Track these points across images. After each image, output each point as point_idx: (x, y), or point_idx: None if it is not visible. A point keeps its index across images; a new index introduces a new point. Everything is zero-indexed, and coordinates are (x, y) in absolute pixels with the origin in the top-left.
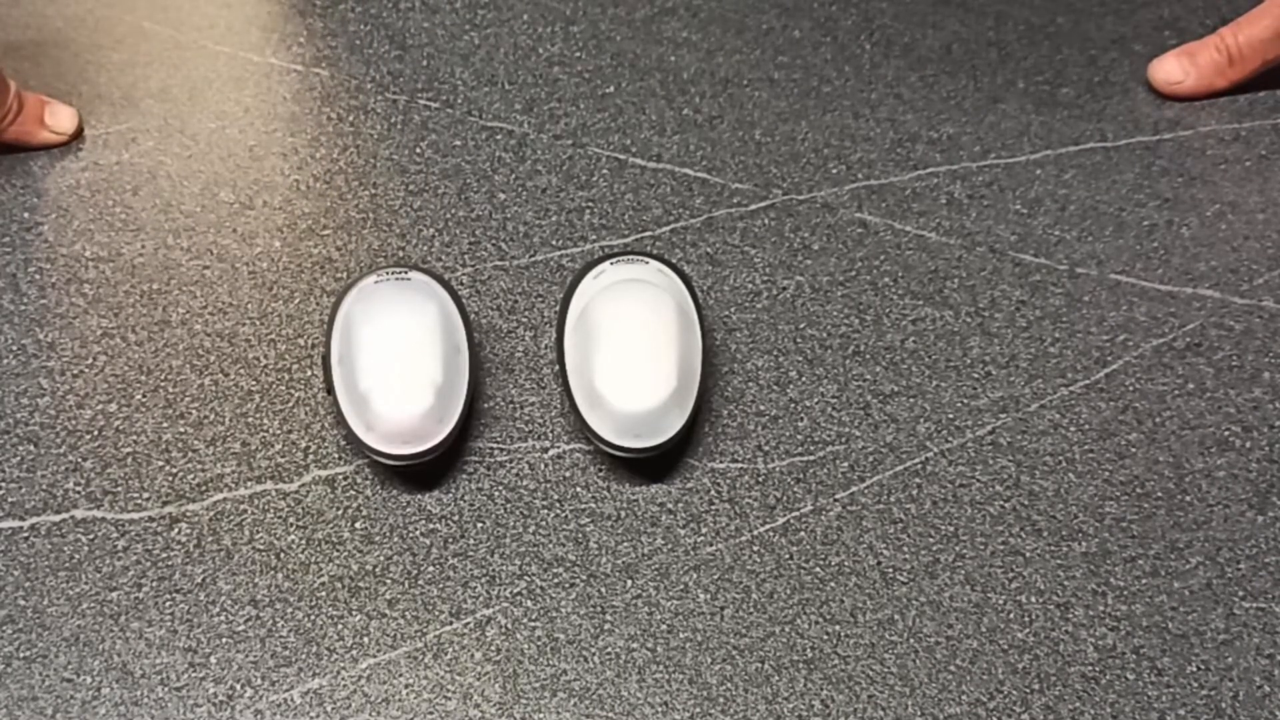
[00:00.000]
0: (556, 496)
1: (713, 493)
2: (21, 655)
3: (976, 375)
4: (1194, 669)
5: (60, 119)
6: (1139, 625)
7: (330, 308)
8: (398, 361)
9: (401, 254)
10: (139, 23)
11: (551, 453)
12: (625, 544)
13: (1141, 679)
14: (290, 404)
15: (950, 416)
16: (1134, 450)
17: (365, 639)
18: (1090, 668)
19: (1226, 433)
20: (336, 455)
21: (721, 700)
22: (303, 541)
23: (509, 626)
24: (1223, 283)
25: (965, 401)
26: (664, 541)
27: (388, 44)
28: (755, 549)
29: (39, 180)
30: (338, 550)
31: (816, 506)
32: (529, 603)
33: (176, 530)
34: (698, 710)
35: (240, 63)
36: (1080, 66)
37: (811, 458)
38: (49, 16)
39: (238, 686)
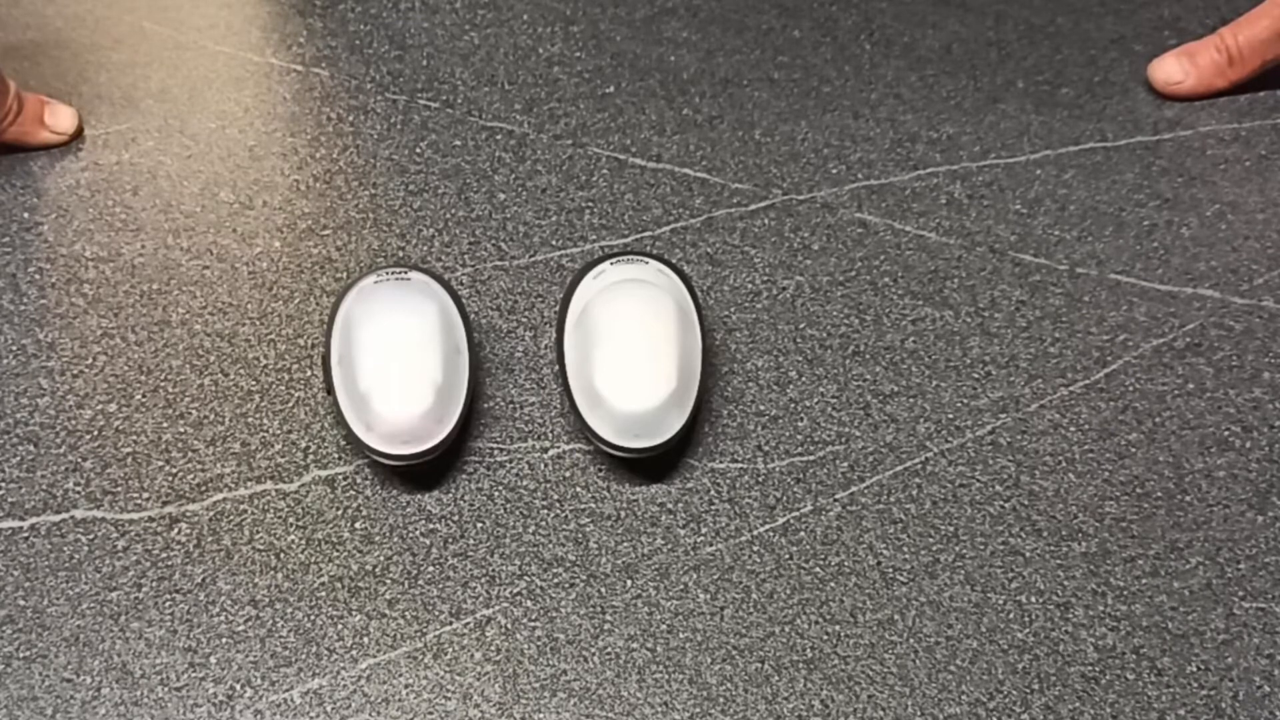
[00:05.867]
0: (556, 496)
1: (713, 493)
2: (21, 655)
3: (976, 375)
4: (1194, 669)
5: (60, 119)
6: (1139, 625)
7: (330, 308)
8: (398, 361)
9: (401, 254)
10: (139, 23)
11: (551, 453)
12: (625, 544)
13: (1141, 679)
14: (290, 404)
15: (950, 416)
16: (1134, 450)
17: (365, 639)
18: (1090, 668)
19: (1226, 433)
20: (336, 455)
21: (721, 700)
22: (303, 541)
23: (509, 626)
24: (1223, 283)
25: (965, 401)
26: (664, 541)
27: (388, 44)
28: (755, 549)
29: (39, 180)
30: (338, 550)
31: (816, 506)
32: (529, 603)
33: (176, 530)
34: (698, 710)
35: (240, 63)
36: (1080, 66)
37: (811, 458)
38: (49, 16)
39: (238, 686)
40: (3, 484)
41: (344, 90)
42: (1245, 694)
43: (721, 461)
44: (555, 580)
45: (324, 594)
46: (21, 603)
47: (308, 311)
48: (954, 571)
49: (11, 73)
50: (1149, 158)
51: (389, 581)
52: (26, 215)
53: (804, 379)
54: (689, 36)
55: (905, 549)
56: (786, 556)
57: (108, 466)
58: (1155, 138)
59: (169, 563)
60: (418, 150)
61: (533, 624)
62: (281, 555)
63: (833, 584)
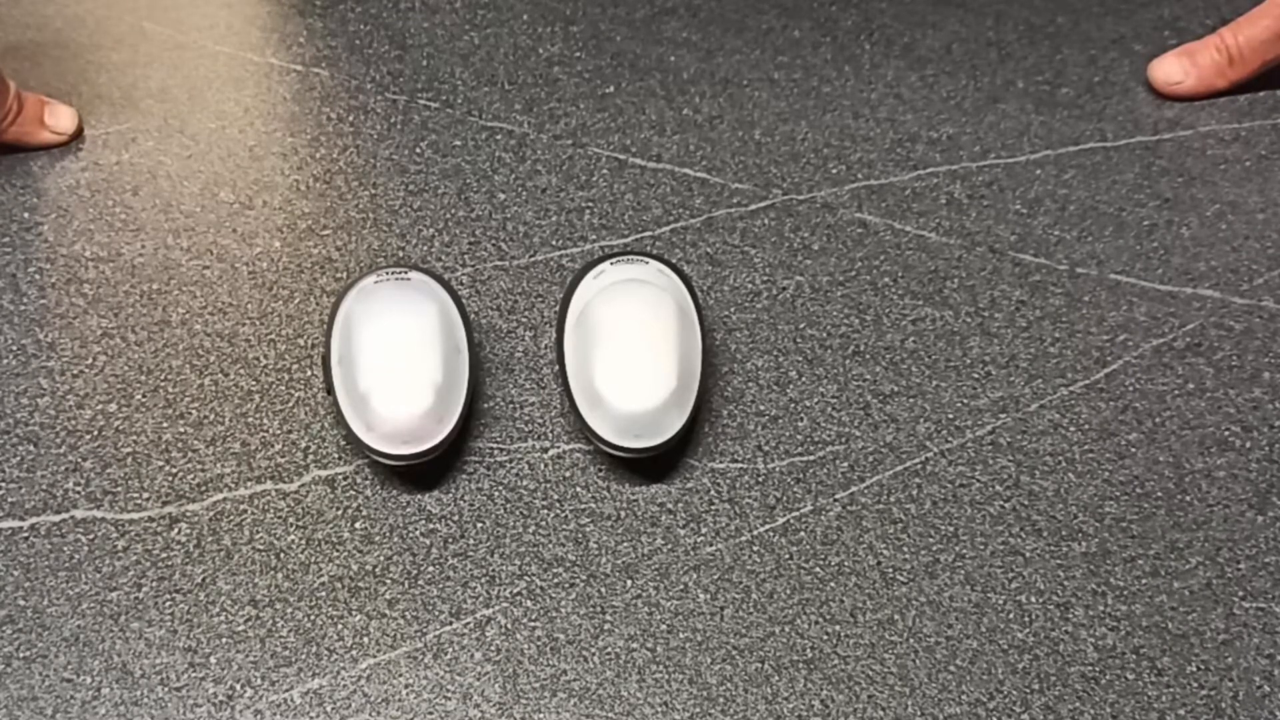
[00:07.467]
0: (556, 496)
1: (713, 493)
2: (21, 655)
3: (976, 375)
4: (1194, 669)
5: (60, 119)
6: (1139, 625)
7: (330, 308)
8: (398, 361)
9: (401, 254)
10: (139, 23)
11: (551, 453)
12: (625, 544)
13: (1141, 679)
14: (290, 404)
15: (950, 416)
16: (1134, 450)
17: (365, 639)
18: (1090, 668)
19: (1226, 433)
20: (336, 455)
21: (721, 700)
22: (303, 541)
23: (509, 626)
24: (1223, 283)
25: (965, 401)
26: (664, 541)
27: (388, 44)
28: (755, 549)
29: (39, 180)
30: (338, 550)
31: (816, 506)
32: (529, 603)
33: (176, 530)
34: (698, 710)
35: (240, 63)
36: (1080, 66)
37: (811, 458)
38: (49, 16)
39: (238, 686)
40: (3, 484)
41: (344, 90)
42: (1245, 694)
43: (721, 461)
44: (555, 580)
45: (324, 594)
46: (21, 603)
47: (308, 311)
48: (954, 571)
49: (11, 73)
50: (1149, 158)
51: (389, 581)
52: (26, 215)
53: (804, 379)
54: (689, 36)
55: (905, 549)
56: (786, 556)
57: (108, 466)
58: (1155, 138)
59: (169, 563)
60: (418, 150)
61: (533, 624)
62: (281, 555)
63: (833, 584)
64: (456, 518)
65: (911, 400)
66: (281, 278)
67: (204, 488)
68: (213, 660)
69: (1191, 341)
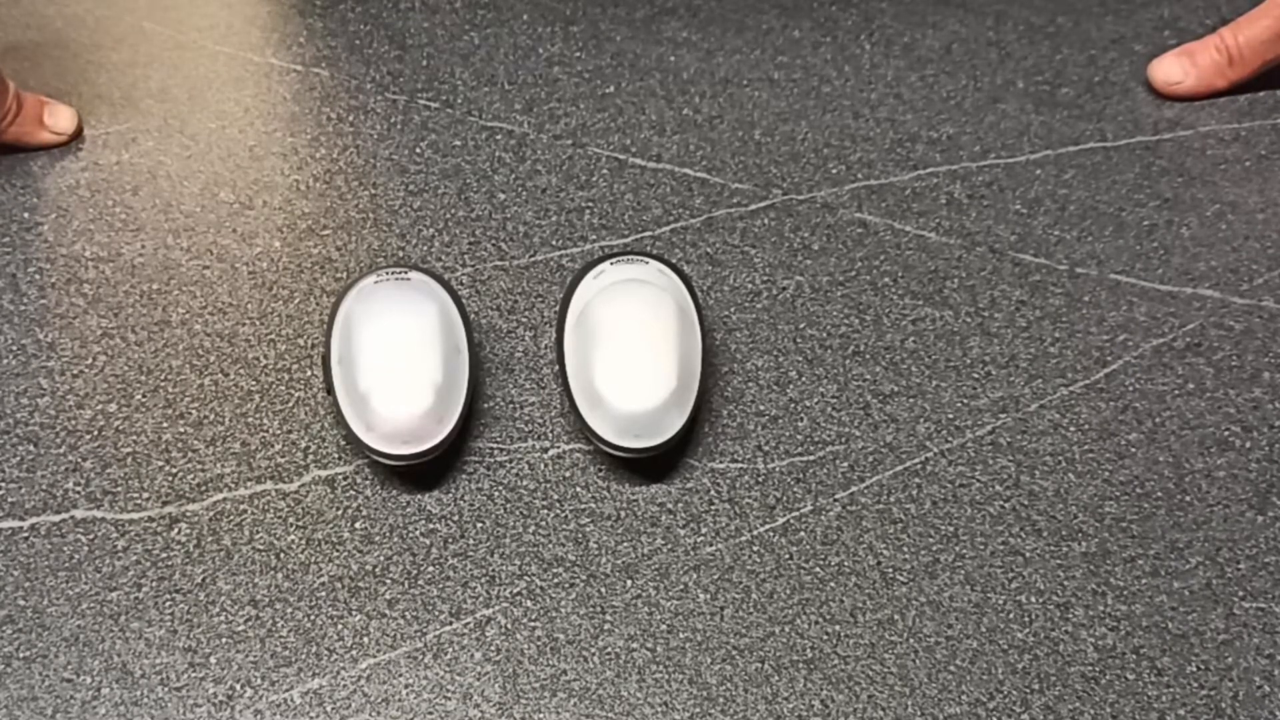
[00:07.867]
0: (556, 496)
1: (713, 493)
2: (21, 655)
3: (976, 375)
4: (1194, 669)
5: (60, 119)
6: (1139, 625)
7: (330, 308)
8: (398, 361)
9: (401, 254)
10: (139, 23)
11: (551, 453)
12: (625, 544)
13: (1141, 679)
14: (290, 404)
15: (950, 416)
16: (1134, 450)
17: (365, 639)
18: (1090, 668)
19: (1226, 433)
20: (336, 455)
21: (721, 700)
22: (303, 541)
23: (509, 626)
24: (1223, 283)
25: (965, 401)
26: (664, 541)
27: (388, 44)
28: (755, 549)
29: (39, 180)
30: (338, 550)
31: (816, 506)
32: (529, 603)
33: (176, 530)
34: (698, 710)
35: (240, 63)
36: (1080, 66)
37: (811, 458)
38: (49, 16)
39: (238, 686)
40: (3, 484)
41: (344, 90)
42: (1245, 694)
43: (721, 461)
44: (555, 580)
45: (324, 594)
46: (21, 603)
47: (308, 311)
48: (954, 571)
49: (11, 73)
50: (1149, 158)
51: (389, 581)
52: (26, 215)
53: (804, 379)
54: (689, 36)
55: (905, 549)
56: (786, 556)
57: (108, 466)
58: (1155, 138)
59: (169, 563)
60: (418, 150)
61: (533, 624)
62: (281, 555)
63: (833, 584)
64: (456, 518)
65: (911, 400)
66: (281, 278)
67: (204, 488)
68: (213, 660)
69: (1191, 341)
